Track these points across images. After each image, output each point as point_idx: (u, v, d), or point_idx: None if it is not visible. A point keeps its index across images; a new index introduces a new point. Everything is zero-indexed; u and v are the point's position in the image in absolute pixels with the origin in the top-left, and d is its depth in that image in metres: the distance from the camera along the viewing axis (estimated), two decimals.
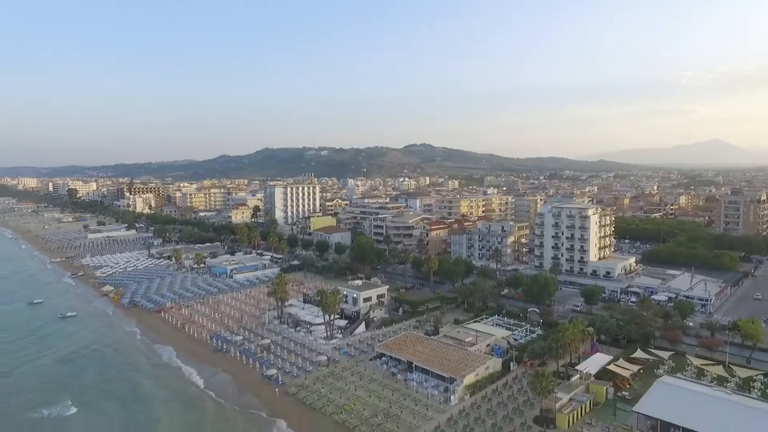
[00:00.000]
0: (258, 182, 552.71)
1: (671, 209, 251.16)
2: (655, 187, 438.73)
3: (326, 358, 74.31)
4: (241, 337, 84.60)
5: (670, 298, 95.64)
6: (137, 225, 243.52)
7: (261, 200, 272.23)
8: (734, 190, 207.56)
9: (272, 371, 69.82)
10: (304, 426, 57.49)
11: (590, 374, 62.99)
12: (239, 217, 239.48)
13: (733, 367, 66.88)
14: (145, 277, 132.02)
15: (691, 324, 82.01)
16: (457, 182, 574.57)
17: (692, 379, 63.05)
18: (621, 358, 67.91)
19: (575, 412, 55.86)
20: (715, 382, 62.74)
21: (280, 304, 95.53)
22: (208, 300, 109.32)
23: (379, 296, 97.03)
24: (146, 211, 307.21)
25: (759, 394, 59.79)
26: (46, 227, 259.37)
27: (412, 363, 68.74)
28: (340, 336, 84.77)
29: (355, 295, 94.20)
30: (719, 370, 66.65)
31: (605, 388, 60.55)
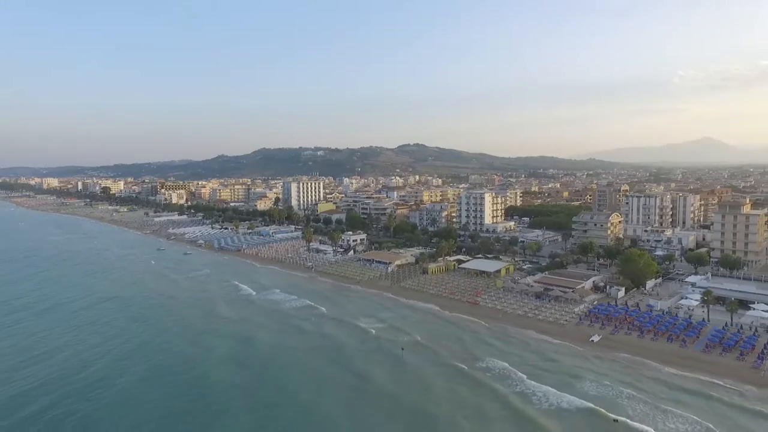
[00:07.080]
0: (260, 181, 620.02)
1: (589, 198, 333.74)
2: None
3: (334, 260, 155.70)
4: (291, 255, 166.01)
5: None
6: (186, 212, 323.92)
7: (276, 193, 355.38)
8: (609, 182, 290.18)
9: (310, 264, 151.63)
10: (327, 277, 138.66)
11: (450, 259, 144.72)
12: (262, 205, 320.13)
13: (516, 259, 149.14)
14: (220, 237, 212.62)
15: (514, 247, 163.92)
16: (441, 180, 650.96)
17: (484, 259, 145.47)
18: (467, 256, 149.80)
19: (437, 269, 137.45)
20: (490, 257, 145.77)
21: (307, 243, 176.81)
22: (264, 246, 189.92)
23: (361, 239, 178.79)
24: (181, 202, 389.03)
25: (499, 257, 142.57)
26: (113, 215, 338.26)
27: (374, 259, 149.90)
28: (340, 256, 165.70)
29: (347, 237, 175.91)
30: (511, 261, 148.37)
31: (453, 263, 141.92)
